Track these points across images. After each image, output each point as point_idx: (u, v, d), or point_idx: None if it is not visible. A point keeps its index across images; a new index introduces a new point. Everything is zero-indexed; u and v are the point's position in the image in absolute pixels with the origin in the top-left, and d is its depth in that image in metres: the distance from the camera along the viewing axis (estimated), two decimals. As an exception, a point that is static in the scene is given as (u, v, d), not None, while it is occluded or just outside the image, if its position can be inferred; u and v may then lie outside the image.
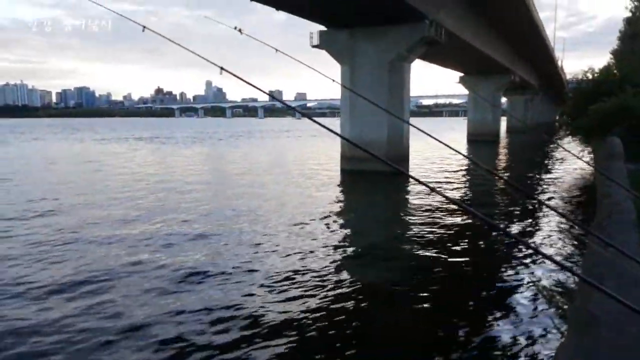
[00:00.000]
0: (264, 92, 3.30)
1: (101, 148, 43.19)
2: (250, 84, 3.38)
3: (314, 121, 3.06)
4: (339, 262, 9.82)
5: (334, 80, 4.86)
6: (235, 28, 4.86)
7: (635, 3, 35.43)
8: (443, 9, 25.04)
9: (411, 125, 4.04)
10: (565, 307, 6.83)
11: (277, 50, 4.92)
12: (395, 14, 22.70)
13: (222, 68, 3.23)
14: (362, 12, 23.08)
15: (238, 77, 3.28)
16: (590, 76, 27.24)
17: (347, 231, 12.77)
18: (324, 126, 2.94)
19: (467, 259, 10.11)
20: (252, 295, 7.91)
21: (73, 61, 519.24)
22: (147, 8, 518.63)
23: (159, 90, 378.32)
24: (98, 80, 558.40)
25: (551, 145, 37.66)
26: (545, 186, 19.77)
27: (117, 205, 15.55)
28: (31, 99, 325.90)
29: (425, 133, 3.90)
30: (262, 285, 8.34)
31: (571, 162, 26.70)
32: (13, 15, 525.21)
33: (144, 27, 3.87)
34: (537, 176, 22.65)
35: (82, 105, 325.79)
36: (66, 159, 33.06)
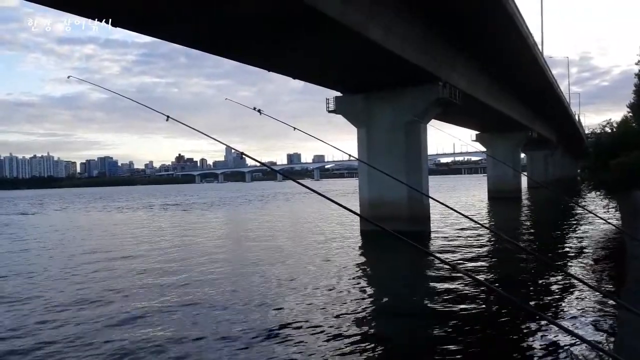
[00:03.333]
0: (280, 172, 3.36)
1: (123, 217, 43.78)
2: (267, 166, 3.44)
3: (319, 194, 3.07)
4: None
5: (350, 156, 4.93)
6: (255, 109, 5.02)
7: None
8: (457, 71, 25.54)
9: (431, 197, 4.04)
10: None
11: (295, 128, 5.06)
12: (410, 78, 23.19)
13: (242, 153, 3.32)
14: (375, 77, 23.65)
15: (256, 160, 3.37)
16: (609, 130, 27.18)
17: (372, 302, 12.57)
18: (333, 200, 2.94)
19: (489, 333, 9.66)
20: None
21: (97, 133, 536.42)
22: (167, 80, 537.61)
23: (180, 158, 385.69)
24: (121, 150, 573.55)
25: (573, 201, 36.93)
26: (570, 249, 18.75)
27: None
28: (56, 170, 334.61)
29: (446, 205, 3.88)
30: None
31: (596, 220, 25.91)
32: (42, 92, 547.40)
33: (168, 116, 4.02)
34: (562, 238, 21.63)
35: (105, 175, 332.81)
36: (89, 227, 33.53)
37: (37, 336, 9.77)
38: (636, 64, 37.10)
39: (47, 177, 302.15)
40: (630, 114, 35.10)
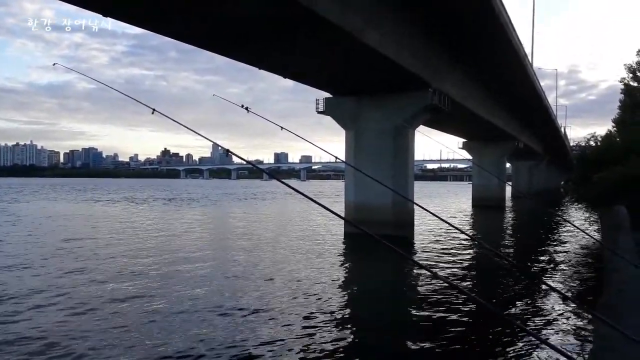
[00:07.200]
0: (266, 172, 3.32)
1: (107, 210, 43.39)
2: (253, 164, 3.41)
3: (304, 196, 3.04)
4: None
5: (337, 158, 4.91)
6: (242, 106, 4.97)
7: (630, 75, 36.35)
8: (447, 79, 25.63)
9: (416, 204, 4.03)
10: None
11: (282, 127, 5.03)
12: (400, 83, 23.22)
13: (228, 150, 3.28)
14: (367, 81, 23.66)
15: (243, 159, 3.33)
16: (593, 143, 27.55)
17: (348, 306, 12.54)
18: (320, 204, 2.91)
19: (464, 340, 9.63)
20: None
21: (83, 123, 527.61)
22: (156, 73, 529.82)
23: (165, 152, 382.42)
24: (106, 141, 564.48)
25: (556, 213, 37.24)
26: (550, 261, 18.67)
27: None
28: (39, 159, 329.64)
29: (430, 212, 3.87)
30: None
31: (577, 232, 26.01)
32: (28, 80, 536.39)
33: (153, 109, 3.96)
34: (542, 249, 21.59)
35: (88, 166, 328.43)
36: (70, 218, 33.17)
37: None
38: (620, 81, 37.75)
39: (29, 165, 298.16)
40: (615, 129, 35.59)
